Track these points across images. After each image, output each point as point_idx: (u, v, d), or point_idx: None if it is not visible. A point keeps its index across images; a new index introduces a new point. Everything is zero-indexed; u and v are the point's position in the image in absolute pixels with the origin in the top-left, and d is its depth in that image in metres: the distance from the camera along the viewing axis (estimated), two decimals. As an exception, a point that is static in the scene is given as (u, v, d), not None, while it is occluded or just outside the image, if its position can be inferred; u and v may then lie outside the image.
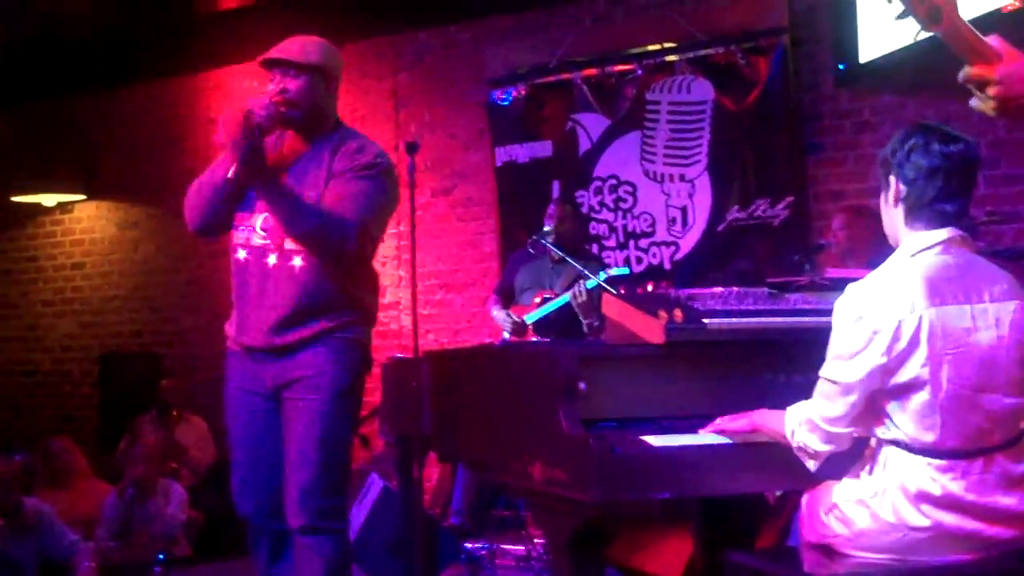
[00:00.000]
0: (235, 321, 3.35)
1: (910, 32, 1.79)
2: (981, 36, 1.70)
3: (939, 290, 2.26)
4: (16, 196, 8.55)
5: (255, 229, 3.27)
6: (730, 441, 2.48)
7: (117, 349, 8.22)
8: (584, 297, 5.11)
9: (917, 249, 2.34)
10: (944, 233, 2.33)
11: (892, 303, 2.24)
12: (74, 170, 8.49)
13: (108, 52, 7.89)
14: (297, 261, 3.21)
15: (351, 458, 3.35)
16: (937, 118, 5.52)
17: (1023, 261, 4.27)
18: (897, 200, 2.37)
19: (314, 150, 3.29)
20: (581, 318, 5.18)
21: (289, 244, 3.21)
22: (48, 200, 8.60)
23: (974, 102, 1.74)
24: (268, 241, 3.24)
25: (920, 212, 2.34)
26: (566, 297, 5.21)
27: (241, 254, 3.29)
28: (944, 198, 2.32)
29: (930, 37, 1.83)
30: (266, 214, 3.23)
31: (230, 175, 3.10)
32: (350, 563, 3.34)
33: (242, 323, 3.31)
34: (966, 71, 1.70)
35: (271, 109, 3.15)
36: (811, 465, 2.36)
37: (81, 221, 8.67)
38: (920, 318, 2.22)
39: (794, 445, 2.36)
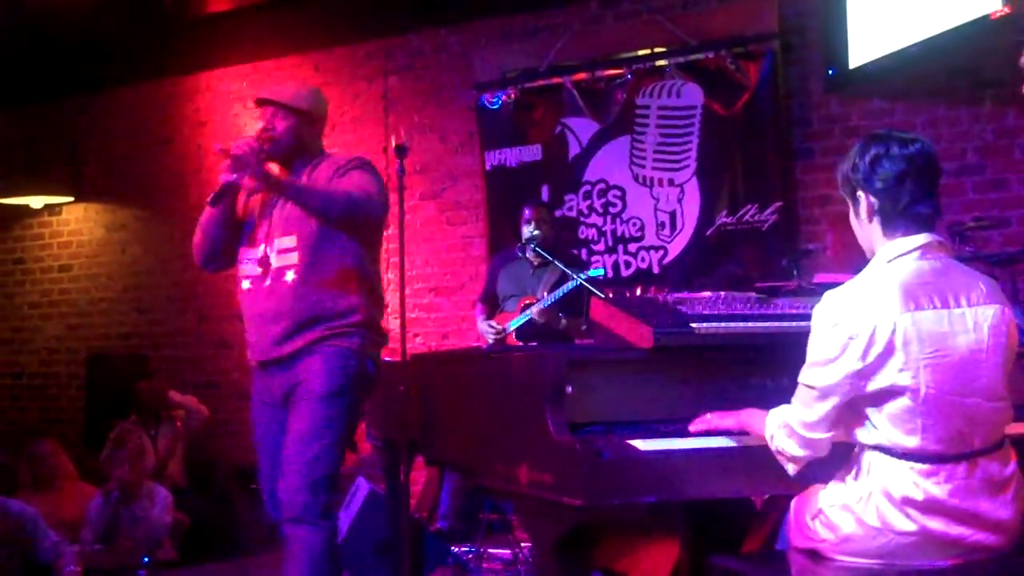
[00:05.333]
0: (248, 341, 3.55)
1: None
2: None
3: (914, 296, 2.25)
4: (3, 198, 8.52)
5: (255, 260, 3.48)
6: (717, 446, 2.48)
7: (104, 351, 8.17)
8: (545, 315, 5.16)
9: (894, 255, 2.33)
10: (921, 238, 2.33)
11: (867, 309, 2.24)
12: (62, 172, 8.46)
13: (97, 54, 7.87)
14: (289, 276, 3.41)
15: (340, 460, 3.41)
16: (925, 123, 5.54)
17: (1010, 266, 4.29)
18: (871, 213, 2.37)
19: (294, 173, 3.52)
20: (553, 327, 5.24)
21: (279, 262, 3.42)
22: (36, 202, 8.57)
23: None
24: (261, 269, 3.46)
25: (898, 219, 2.34)
26: (528, 314, 5.23)
27: (245, 284, 3.50)
28: (918, 200, 2.33)
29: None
30: (263, 245, 3.45)
31: (210, 202, 3.36)
32: (336, 560, 3.37)
33: (253, 342, 3.51)
34: None
35: (254, 144, 3.36)
36: (790, 469, 2.37)
37: (69, 223, 8.64)
38: (895, 323, 2.22)
39: (772, 448, 2.37)
